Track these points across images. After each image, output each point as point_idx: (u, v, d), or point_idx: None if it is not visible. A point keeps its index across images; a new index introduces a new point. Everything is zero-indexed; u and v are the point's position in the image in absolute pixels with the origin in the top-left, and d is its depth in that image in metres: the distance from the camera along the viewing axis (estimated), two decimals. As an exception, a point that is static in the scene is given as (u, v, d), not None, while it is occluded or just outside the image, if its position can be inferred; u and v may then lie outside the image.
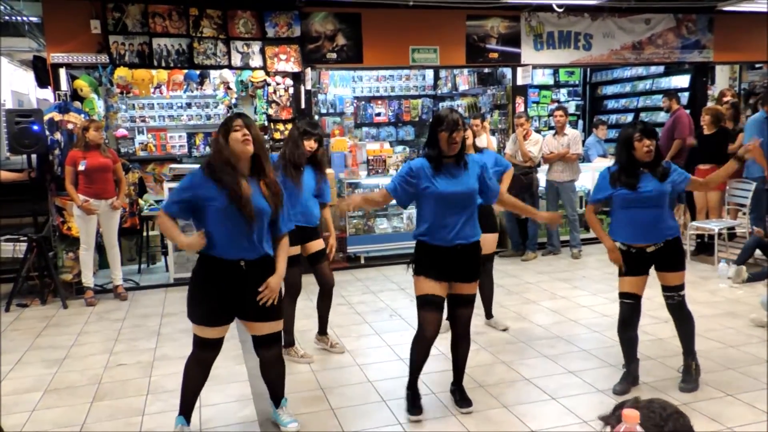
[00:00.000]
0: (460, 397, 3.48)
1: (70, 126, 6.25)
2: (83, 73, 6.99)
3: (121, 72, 6.72)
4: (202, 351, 3.04)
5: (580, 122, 11.33)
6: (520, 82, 8.27)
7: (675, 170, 3.53)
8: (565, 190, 7.23)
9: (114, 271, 6.04)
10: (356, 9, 7.44)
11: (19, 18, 7.19)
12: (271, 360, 3.17)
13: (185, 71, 7.12)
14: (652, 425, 1.36)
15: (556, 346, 4.42)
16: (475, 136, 4.73)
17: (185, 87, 7.35)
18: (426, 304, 3.27)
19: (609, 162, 7.60)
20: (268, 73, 7.26)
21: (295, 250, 3.95)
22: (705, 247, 6.87)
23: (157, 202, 7.04)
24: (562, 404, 3.49)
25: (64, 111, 6.28)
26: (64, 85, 6.65)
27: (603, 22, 8.33)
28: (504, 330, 4.78)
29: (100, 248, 6.18)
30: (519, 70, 8.21)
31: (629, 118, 10.84)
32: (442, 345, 4.27)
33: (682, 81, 9.82)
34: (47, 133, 6.05)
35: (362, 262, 7.16)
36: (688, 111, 8.23)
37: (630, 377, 3.64)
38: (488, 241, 4.51)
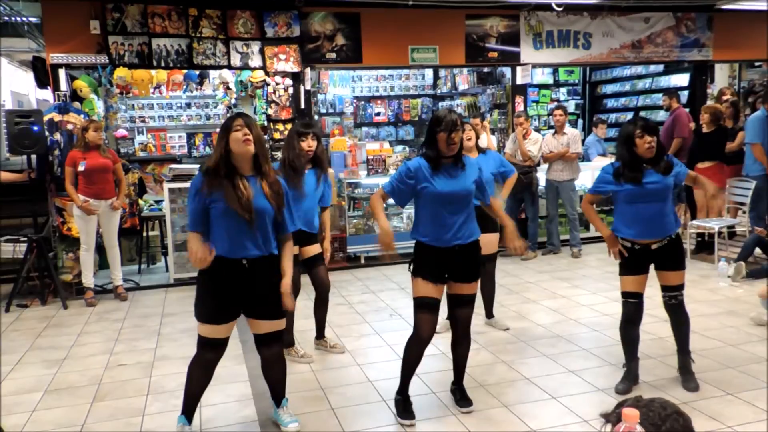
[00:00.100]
0: (460, 397, 3.48)
1: (69, 126, 6.25)
2: (83, 73, 6.99)
3: (120, 72, 6.73)
4: (206, 352, 3.05)
5: (580, 121, 11.33)
6: (519, 81, 8.28)
7: (677, 164, 3.54)
8: (565, 189, 7.23)
9: (114, 271, 6.04)
10: (355, 9, 7.45)
11: (18, 18, 7.19)
12: (272, 358, 3.18)
13: (185, 71, 7.12)
14: (651, 424, 1.36)
15: (557, 345, 4.42)
16: (477, 137, 4.72)
17: (185, 87, 7.36)
18: (421, 306, 3.27)
19: (609, 161, 7.61)
20: (267, 73, 7.27)
21: (295, 249, 3.94)
22: (705, 246, 6.87)
23: (157, 202, 7.04)
24: (563, 403, 3.49)
25: (63, 111, 6.28)
26: (63, 86, 6.66)
27: (602, 21, 8.34)
28: (505, 330, 4.78)
29: (100, 249, 6.18)
30: (518, 69, 8.21)
31: (629, 116, 10.82)
32: (442, 344, 4.29)
33: (681, 80, 9.83)
34: (47, 133, 6.05)
35: (362, 262, 7.17)
36: (687, 110, 8.24)
37: (631, 376, 3.64)
38: (489, 241, 4.52)
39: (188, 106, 8.40)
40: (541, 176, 7.44)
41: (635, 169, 3.44)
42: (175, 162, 7.56)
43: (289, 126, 7.18)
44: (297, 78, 7.40)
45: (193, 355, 3.10)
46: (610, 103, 11.42)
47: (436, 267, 3.24)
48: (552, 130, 7.59)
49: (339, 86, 9.87)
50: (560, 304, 5.41)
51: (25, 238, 5.90)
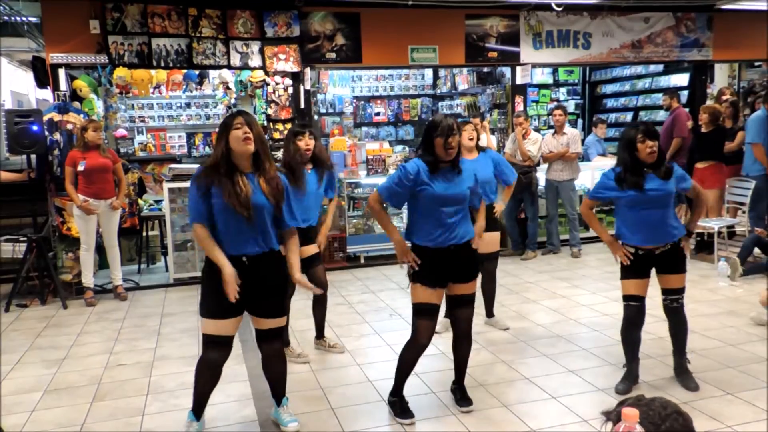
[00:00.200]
0: (460, 396, 3.48)
1: (69, 126, 6.25)
2: (82, 73, 6.99)
3: (120, 72, 6.72)
4: (212, 351, 3.04)
5: (580, 121, 11.33)
6: (519, 81, 8.27)
7: (678, 170, 3.54)
8: (565, 189, 7.23)
9: (114, 271, 6.04)
10: (355, 8, 7.44)
11: (18, 18, 7.19)
12: (273, 354, 3.19)
13: (184, 71, 7.12)
14: (650, 423, 1.36)
15: (557, 345, 4.42)
16: (478, 137, 4.71)
17: (184, 87, 7.35)
18: (421, 312, 3.28)
19: (608, 161, 7.62)
20: (267, 73, 7.26)
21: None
22: (705, 246, 6.87)
23: (157, 202, 7.04)
24: (563, 403, 3.49)
25: (63, 111, 6.27)
26: (63, 86, 6.66)
27: (602, 21, 8.33)
28: (505, 330, 4.78)
29: (100, 248, 6.18)
30: (518, 69, 8.21)
31: (628, 116, 10.85)
32: (442, 344, 4.29)
33: (681, 79, 9.82)
34: (46, 133, 6.05)
35: (362, 261, 7.16)
36: (687, 109, 8.24)
37: (631, 376, 3.64)
38: (490, 241, 4.51)
39: (188, 105, 8.40)
40: (541, 176, 7.44)
41: (637, 174, 3.45)
42: (175, 162, 7.56)
43: (288, 126, 7.19)
44: (297, 78, 7.40)
45: (200, 356, 3.10)
46: (610, 102, 11.42)
47: (434, 271, 3.25)
48: (552, 130, 7.59)
49: (339, 86, 9.86)
50: (560, 304, 5.41)
51: (25, 238, 5.90)
